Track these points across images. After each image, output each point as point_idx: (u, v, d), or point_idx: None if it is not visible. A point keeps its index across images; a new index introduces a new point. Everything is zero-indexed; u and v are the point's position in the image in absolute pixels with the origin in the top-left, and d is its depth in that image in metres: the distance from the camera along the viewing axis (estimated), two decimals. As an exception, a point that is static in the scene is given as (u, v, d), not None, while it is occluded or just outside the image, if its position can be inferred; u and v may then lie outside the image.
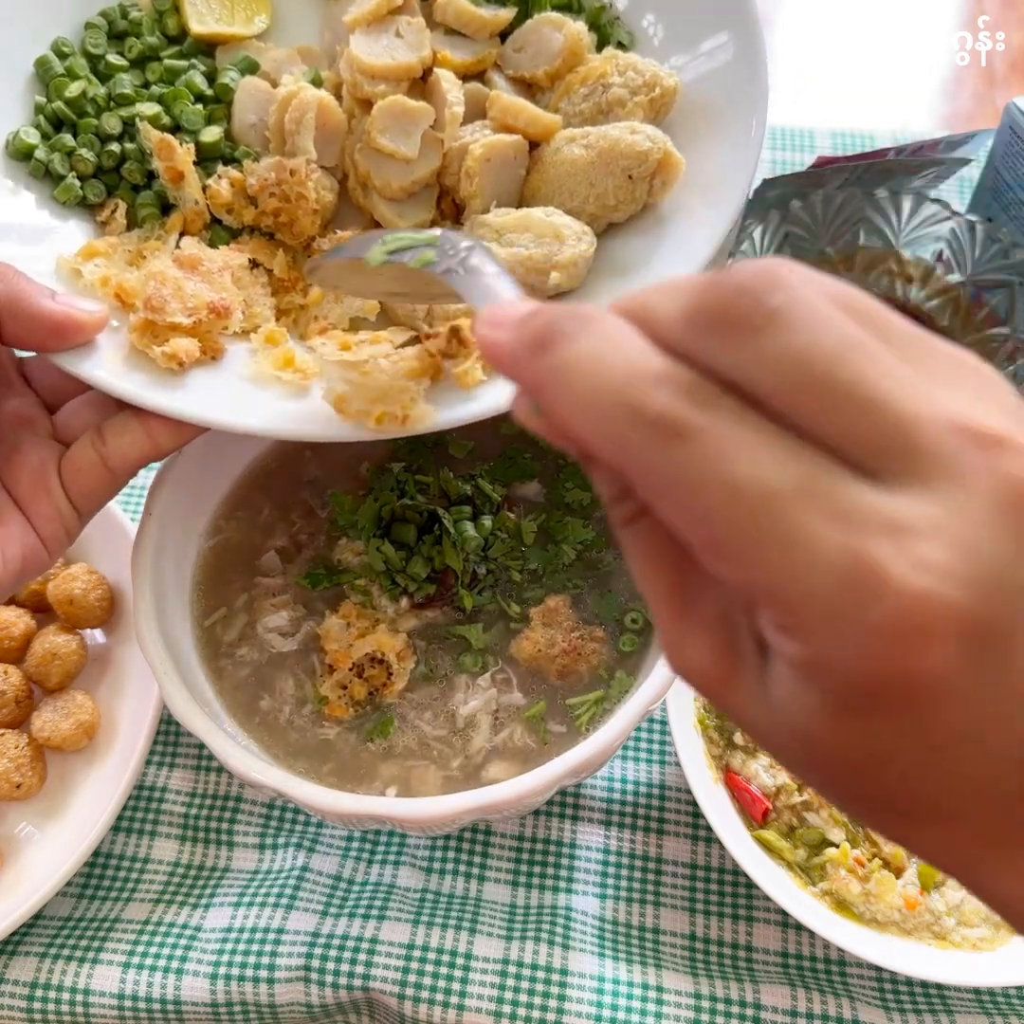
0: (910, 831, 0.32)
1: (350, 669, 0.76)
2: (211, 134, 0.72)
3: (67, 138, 0.70)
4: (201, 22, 0.76)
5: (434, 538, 0.79)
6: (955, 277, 1.09)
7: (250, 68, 0.75)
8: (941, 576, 0.27)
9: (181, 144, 0.70)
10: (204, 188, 0.70)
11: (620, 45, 0.75)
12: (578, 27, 0.72)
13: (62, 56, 0.72)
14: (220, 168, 0.71)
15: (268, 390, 0.63)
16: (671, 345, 0.32)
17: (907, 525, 0.27)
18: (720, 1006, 0.76)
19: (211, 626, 0.79)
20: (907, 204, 1.09)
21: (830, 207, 1.09)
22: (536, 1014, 0.76)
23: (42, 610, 0.93)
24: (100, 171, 0.71)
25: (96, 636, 0.94)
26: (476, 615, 0.79)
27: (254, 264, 0.70)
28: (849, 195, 1.09)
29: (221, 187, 0.69)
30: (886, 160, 1.11)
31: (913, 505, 0.28)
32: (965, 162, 1.15)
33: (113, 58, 0.73)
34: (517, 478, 0.85)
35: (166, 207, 0.72)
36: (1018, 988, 0.78)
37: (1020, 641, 0.28)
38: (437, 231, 0.53)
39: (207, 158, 0.73)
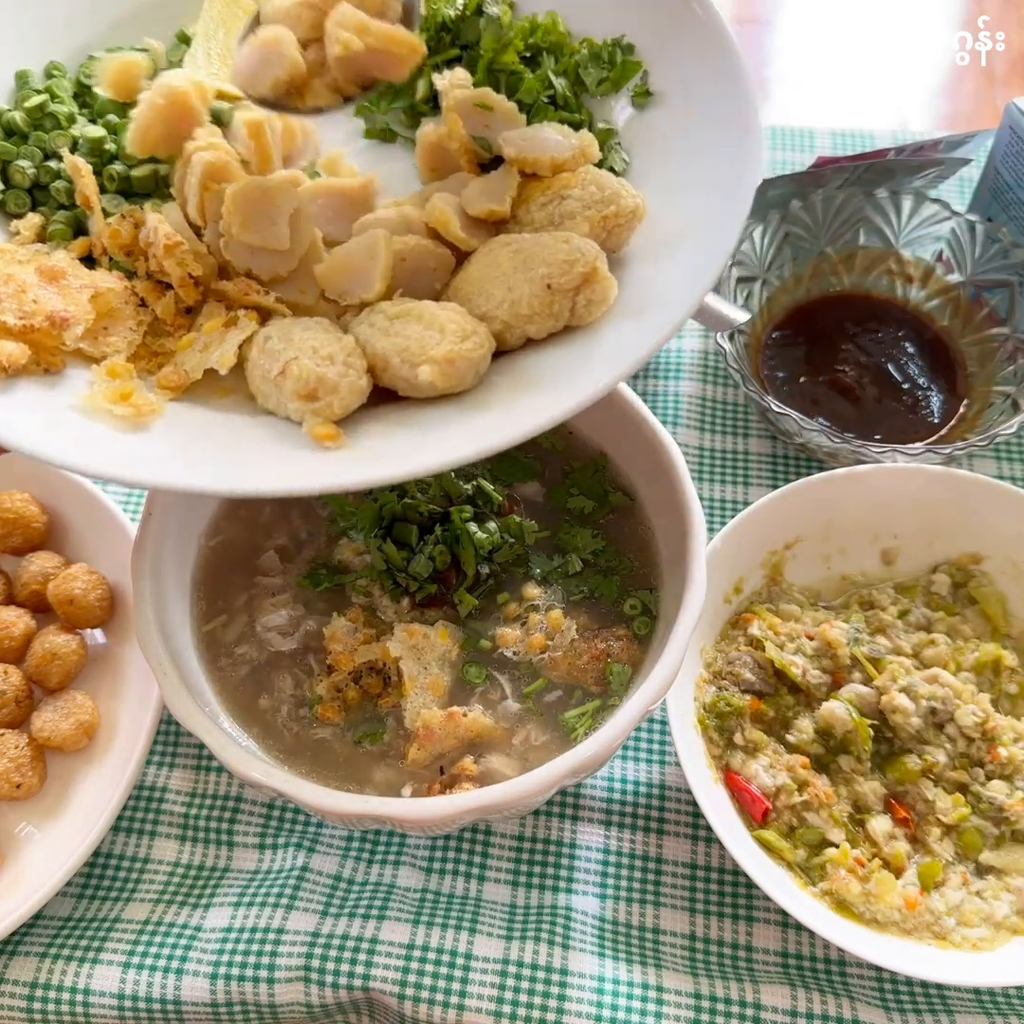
0: None
1: (348, 673, 0.76)
2: (143, 170, 0.70)
3: (8, 146, 0.69)
4: (196, 71, 0.75)
5: (436, 538, 0.79)
6: (955, 277, 1.09)
7: (217, 119, 0.73)
8: None
9: (105, 172, 0.68)
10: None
11: (612, 170, 0.70)
12: (585, 136, 0.67)
13: (50, 76, 0.72)
14: (126, 207, 0.68)
15: (95, 422, 0.58)
16: None
17: None
18: (720, 1006, 0.76)
19: (211, 626, 0.79)
20: (907, 204, 1.09)
21: (830, 207, 1.09)
22: (536, 1014, 0.76)
23: (42, 610, 0.93)
24: (36, 186, 0.70)
25: (96, 636, 0.94)
26: (482, 616, 0.79)
27: (144, 302, 0.66)
28: (849, 195, 1.09)
29: (123, 227, 0.66)
30: (886, 160, 1.11)
31: None
32: (965, 162, 1.16)
33: (100, 90, 0.72)
34: (518, 478, 0.85)
35: (86, 233, 0.69)
36: (1018, 988, 0.78)
37: None
38: None
39: (137, 194, 0.71)
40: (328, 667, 0.76)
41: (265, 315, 0.64)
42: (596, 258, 0.60)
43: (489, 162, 0.69)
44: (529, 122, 0.71)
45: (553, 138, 0.67)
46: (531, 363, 0.61)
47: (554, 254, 0.60)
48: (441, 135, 0.69)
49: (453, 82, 0.69)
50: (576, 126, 0.71)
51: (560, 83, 0.73)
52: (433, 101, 0.74)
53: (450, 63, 0.75)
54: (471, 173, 0.68)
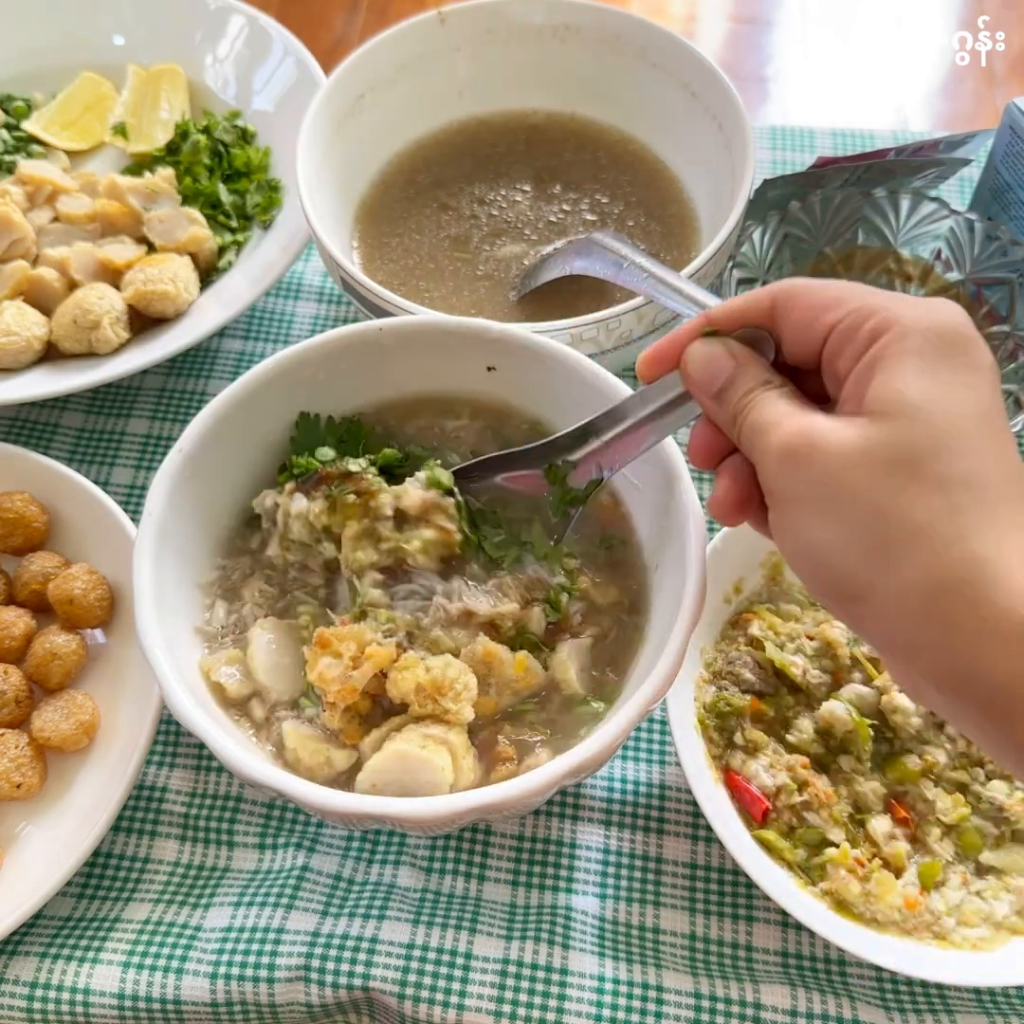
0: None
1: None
2: None
3: None
4: (38, 122, 0.83)
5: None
6: (954, 275, 1.09)
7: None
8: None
9: None
10: None
11: None
12: None
13: None
14: None
15: None
16: None
17: None
18: (720, 1006, 0.76)
19: (209, 625, 0.79)
20: (905, 203, 1.09)
21: (829, 207, 1.09)
22: (536, 1014, 0.76)
23: (42, 610, 0.93)
24: None
25: (96, 636, 0.94)
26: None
27: None
28: (847, 195, 1.09)
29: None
30: (886, 160, 1.11)
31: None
32: (965, 162, 1.15)
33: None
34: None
35: None
36: (1018, 988, 0.78)
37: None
38: None
39: None
40: (330, 704, 0.72)
41: None
42: None
43: None
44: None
45: None
46: None
47: None
48: None
49: None
50: None
51: None
52: None
53: None
54: None
